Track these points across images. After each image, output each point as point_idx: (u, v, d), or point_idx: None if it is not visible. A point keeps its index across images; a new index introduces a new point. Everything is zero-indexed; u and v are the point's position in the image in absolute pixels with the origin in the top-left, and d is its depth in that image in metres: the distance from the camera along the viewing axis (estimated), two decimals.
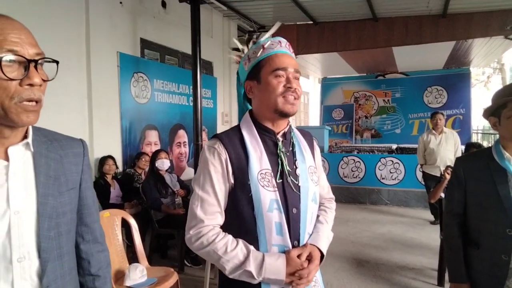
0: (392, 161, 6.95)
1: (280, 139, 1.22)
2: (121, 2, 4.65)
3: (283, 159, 1.19)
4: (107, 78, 4.44)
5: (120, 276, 2.59)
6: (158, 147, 5.14)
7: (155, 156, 4.22)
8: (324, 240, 1.24)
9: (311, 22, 6.89)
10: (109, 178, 4.08)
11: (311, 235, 1.22)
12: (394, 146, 7.86)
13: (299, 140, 1.28)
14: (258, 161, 1.15)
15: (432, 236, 4.91)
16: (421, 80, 9.88)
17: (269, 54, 1.19)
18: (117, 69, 4.59)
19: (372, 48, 7.17)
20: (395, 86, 10.23)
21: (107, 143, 4.40)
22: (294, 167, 1.21)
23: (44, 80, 0.80)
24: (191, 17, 4.71)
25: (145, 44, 5.18)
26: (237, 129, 1.24)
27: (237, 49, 1.32)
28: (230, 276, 1.11)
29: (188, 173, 5.82)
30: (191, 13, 4.72)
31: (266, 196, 1.12)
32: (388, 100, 10.35)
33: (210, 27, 6.69)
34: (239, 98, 1.34)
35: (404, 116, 10.11)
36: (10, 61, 0.75)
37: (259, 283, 1.12)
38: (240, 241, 1.13)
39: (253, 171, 1.13)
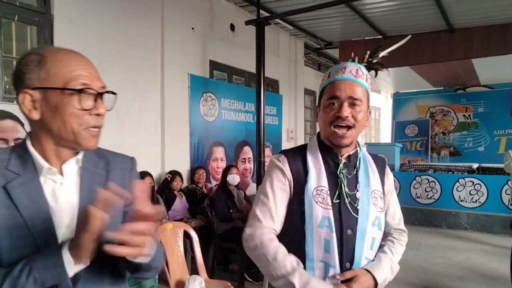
0: (473, 182, 6.36)
1: (343, 161, 1.25)
2: (193, 28, 5.01)
3: (343, 180, 1.22)
4: (179, 98, 4.78)
5: (180, 286, 2.73)
6: (224, 163, 5.34)
7: (226, 171, 4.33)
8: (384, 270, 1.20)
9: (380, 36, 6.70)
10: (175, 191, 4.32)
11: (371, 261, 1.22)
12: (475, 166, 7.17)
13: (369, 164, 1.29)
14: (316, 178, 1.21)
15: None
16: (509, 93, 9.01)
17: (330, 81, 1.22)
18: (188, 89, 4.92)
19: (448, 61, 6.74)
20: (478, 100, 9.43)
21: (177, 158, 4.70)
22: (356, 190, 1.23)
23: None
24: (256, 38, 4.88)
25: (214, 65, 5.49)
26: (302, 148, 1.33)
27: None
28: (274, 284, 1.17)
29: (252, 188, 5.94)
30: (256, 35, 4.90)
31: (319, 212, 1.17)
32: (469, 115, 9.56)
33: (276, 47, 6.85)
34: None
35: (488, 132, 9.26)
36: (85, 94, 0.86)
37: None
38: (292, 256, 1.16)
39: (309, 186, 1.20)
